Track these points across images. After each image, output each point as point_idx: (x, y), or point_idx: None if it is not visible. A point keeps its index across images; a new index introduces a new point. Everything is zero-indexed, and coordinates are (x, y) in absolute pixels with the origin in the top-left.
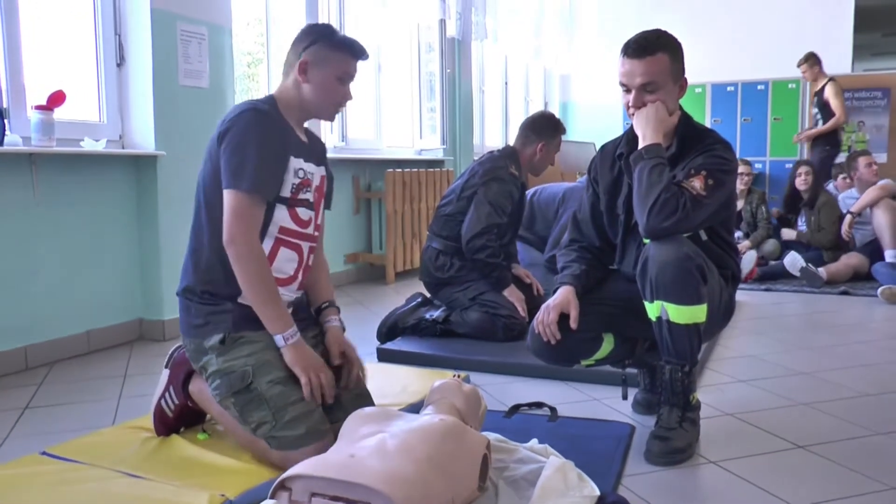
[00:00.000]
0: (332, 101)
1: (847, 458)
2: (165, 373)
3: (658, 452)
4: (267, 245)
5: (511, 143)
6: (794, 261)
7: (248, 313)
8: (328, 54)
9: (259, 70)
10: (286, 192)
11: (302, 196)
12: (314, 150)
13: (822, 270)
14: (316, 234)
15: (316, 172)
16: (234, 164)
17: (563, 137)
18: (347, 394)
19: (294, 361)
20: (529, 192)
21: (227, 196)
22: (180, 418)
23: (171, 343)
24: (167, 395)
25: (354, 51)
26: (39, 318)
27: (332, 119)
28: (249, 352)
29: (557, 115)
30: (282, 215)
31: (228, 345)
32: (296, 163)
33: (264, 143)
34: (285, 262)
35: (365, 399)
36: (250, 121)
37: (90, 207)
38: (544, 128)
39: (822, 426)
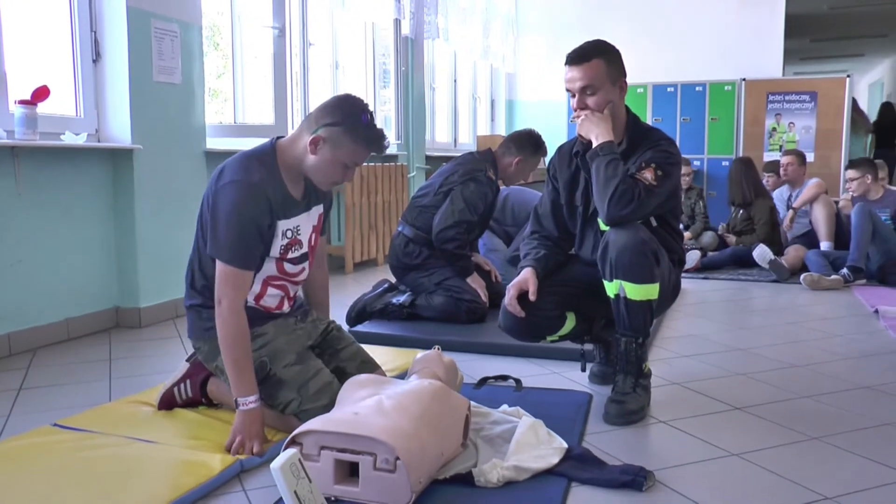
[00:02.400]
0: (332, 180)
1: (776, 417)
2: (185, 365)
3: (615, 414)
4: (255, 287)
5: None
6: (762, 254)
7: (255, 313)
8: (346, 142)
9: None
10: (275, 253)
11: (291, 255)
12: (309, 196)
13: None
14: (303, 277)
15: (307, 220)
16: (217, 236)
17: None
18: (354, 362)
19: (239, 426)
20: (507, 190)
21: (217, 267)
22: (185, 405)
23: (148, 330)
24: (183, 385)
25: (374, 147)
26: (21, 305)
27: (326, 189)
28: (261, 344)
29: (503, 113)
30: (270, 268)
31: None
32: (285, 224)
33: (246, 220)
34: (271, 297)
35: (370, 366)
36: (236, 197)
37: (69, 199)
38: (526, 145)
39: (756, 392)
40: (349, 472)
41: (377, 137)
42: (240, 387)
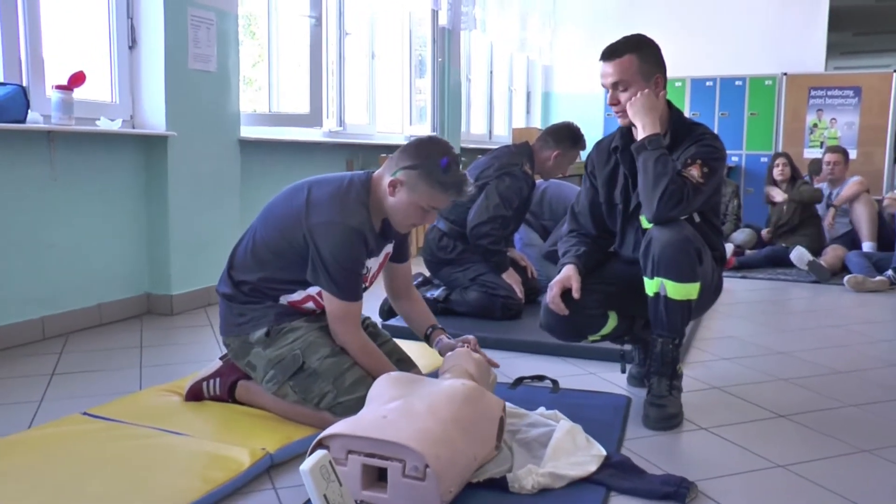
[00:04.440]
0: (409, 223)
1: (822, 426)
2: (217, 362)
3: (655, 418)
4: (297, 296)
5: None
6: (800, 255)
7: (288, 310)
8: (424, 187)
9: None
10: None
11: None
12: (387, 234)
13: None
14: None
15: (380, 257)
16: (330, 275)
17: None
18: (390, 360)
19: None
20: (545, 183)
21: (327, 298)
22: (212, 400)
23: (179, 318)
24: (212, 382)
25: (451, 193)
26: (55, 290)
27: (402, 231)
28: (294, 338)
29: (540, 106)
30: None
31: (273, 336)
32: (369, 262)
33: (354, 261)
34: (306, 307)
35: (407, 364)
36: (343, 241)
37: (103, 184)
38: (564, 138)
39: (799, 399)
40: (377, 476)
41: (455, 183)
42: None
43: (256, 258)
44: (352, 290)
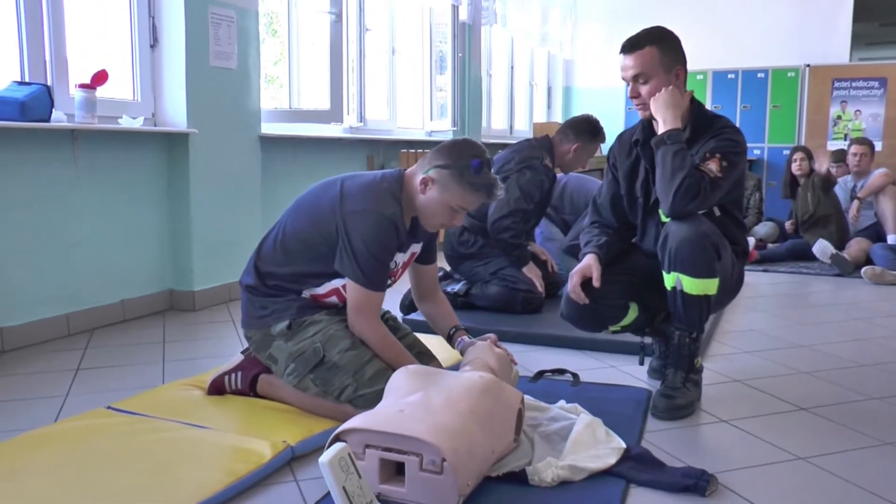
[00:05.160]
0: (438, 222)
1: (845, 419)
2: (239, 357)
3: (663, 408)
4: (321, 290)
5: (532, 132)
6: (823, 248)
7: (310, 303)
8: (454, 186)
9: (262, 50)
10: None
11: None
12: (416, 232)
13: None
14: None
15: (406, 255)
16: (357, 262)
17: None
18: (410, 353)
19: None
20: (566, 177)
21: (350, 287)
22: (234, 394)
23: (202, 314)
24: (234, 375)
25: (481, 194)
26: (79, 287)
27: (431, 231)
28: (315, 331)
29: (561, 100)
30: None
31: (295, 329)
32: (397, 257)
33: (385, 250)
34: (329, 300)
35: (427, 357)
36: (376, 229)
37: (125, 182)
38: (584, 131)
39: (822, 392)
40: (395, 471)
41: (486, 184)
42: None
43: (286, 249)
44: (377, 279)
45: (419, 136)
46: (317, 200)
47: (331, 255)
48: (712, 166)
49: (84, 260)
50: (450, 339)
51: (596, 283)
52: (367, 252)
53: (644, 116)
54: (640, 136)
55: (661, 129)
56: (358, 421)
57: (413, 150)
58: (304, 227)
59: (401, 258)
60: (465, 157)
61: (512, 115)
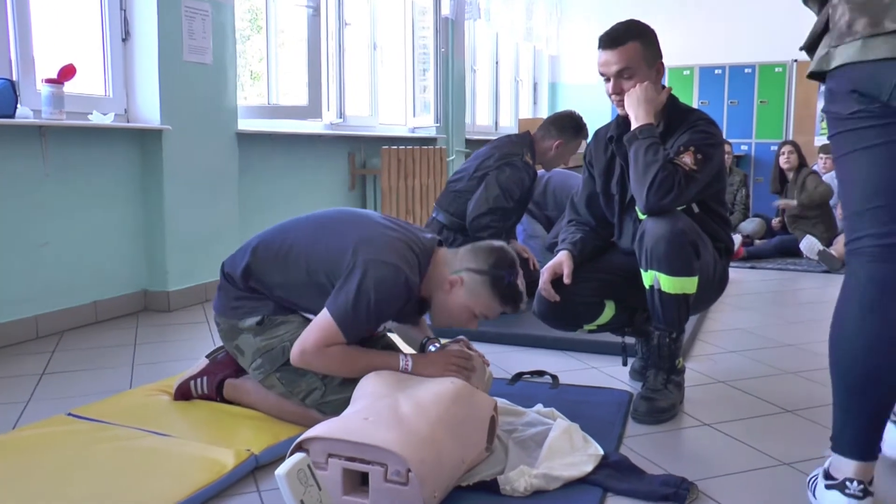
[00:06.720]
0: (452, 322)
1: (831, 421)
2: (204, 361)
3: (644, 412)
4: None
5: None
6: (810, 245)
7: (285, 305)
8: (484, 294)
9: (247, 46)
10: None
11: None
12: (412, 311)
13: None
14: None
15: (389, 323)
16: (353, 303)
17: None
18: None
19: (427, 372)
20: (549, 173)
21: (323, 324)
22: (201, 398)
23: (177, 314)
24: (200, 380)
25: (508, 308)
26: (49, 288)
27: (439, 327)
28: (286, 329)
29: (546, 96)
30: None
31: (266, 325)
32: (388, 323)
33: (387, 304)
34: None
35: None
36: (394, 284)
37: (97, 180)
38: (566, 128)
39: (808, 393)
40: (360, 481)
41: (514, 298)
42: (389, 364)
43: (287, 264)
44: (358, 328)
45: (402, 132)
46: (340, 238)
47: (326, 291)
48: (686, 160)
49: (54, 260)
50: (422, 348)
51: (567, 279)
52: (369, 299)
53: (623, 113)
54: (615, 133)
55: (634, 124)
56: (321, 429)
57: (396, 147)
58: (314, 267)
59: (390, 324)
60: (500, 266)
61: (497, 112)
